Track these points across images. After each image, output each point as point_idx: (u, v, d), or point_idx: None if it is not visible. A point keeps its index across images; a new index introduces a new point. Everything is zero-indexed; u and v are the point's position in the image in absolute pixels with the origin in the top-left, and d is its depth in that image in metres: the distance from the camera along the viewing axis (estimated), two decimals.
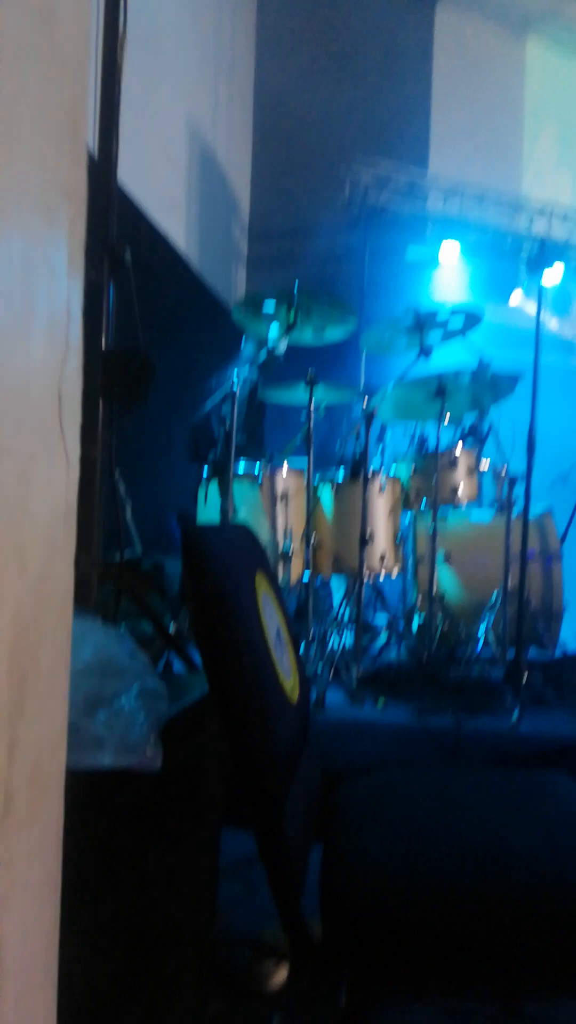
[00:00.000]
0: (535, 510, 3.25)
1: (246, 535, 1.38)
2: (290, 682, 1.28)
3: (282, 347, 2.88)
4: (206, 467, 2.85)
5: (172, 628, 2.11)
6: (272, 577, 1.42)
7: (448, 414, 3.01)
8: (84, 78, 1.09)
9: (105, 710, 1.04)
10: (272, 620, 1.28)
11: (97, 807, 1.00)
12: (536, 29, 5.95)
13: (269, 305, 2.67)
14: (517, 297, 5.54)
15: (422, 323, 2.83)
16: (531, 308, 5.39)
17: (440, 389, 2.86)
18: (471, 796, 1.34)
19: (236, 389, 2.57)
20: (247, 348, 3.50)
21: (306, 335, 2.88)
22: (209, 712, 1.45)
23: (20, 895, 0.85)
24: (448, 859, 1.07)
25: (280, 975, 1.44)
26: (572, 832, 1.15)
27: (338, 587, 3.44)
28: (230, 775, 1.70)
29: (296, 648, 1.43)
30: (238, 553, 1.20)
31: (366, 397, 2.91)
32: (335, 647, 2.78)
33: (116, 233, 1.92)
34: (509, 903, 0.97)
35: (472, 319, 2.87)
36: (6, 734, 0.82)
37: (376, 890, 1.01)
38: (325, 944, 0.99)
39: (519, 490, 2.93)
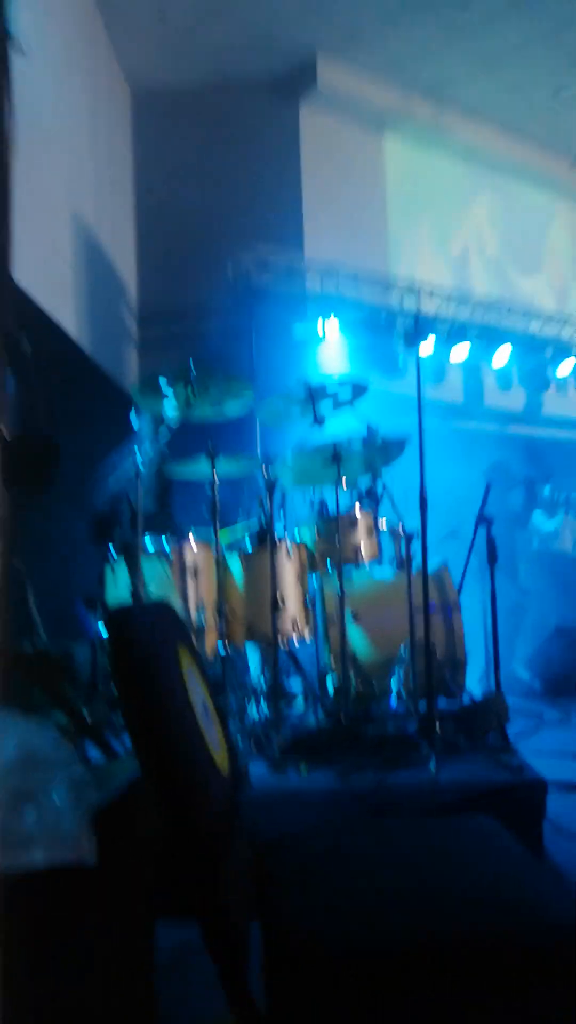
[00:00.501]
0: (432, 565, 3.40)
1: (167, 610, 1.40)
2: (219, 754, 1.29)
3: (176, 424, 2.95)
4: (112, 547, 2.84)
5: (86, 717, 2.05)
6: (195, 651, 1.44)
7: (344, 478, 3.15)
8: None
9: (33, 806, 1.02)
10: (197, 694, 1.29)
11: (32, 905, 0.98)
12: (392, 127, 6.54)
13: (166, 383, 2.73)
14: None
15: (313, 394, 2.98)
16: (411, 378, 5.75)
17: (335, 456, 3.00)
18: (399, 850, 1.37)
19: (141, 467, 2.60)
20: (142, 426, 3.55)
21: (204, 411, 2.96)
22: (136, 800, 1.43)
23: None
24: (383, 913, 1.10)
25: None
26: (500, 873, 1.21)
27: (252, 654, 3.45)
28: (163, 862, 1.66)
29: (223, 722, 1.44)
30: (160, 629, 1.22)
31: (265, 466, 3.00)
32: (255, 717, 2.78)
33: (12, 323, 1.95)
34: (449, 953, 1.00)
35: (359, 389, 3.06)
36: None
37: (317, 956, 1.02)
38: (272, 1017, 0.98)
39: (416, 547, 3.08)
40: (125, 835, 1.35)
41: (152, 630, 1.15)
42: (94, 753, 1.86)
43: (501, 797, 2.39)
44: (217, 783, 1.16)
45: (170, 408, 2.83)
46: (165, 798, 0.95)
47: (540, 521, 6.08)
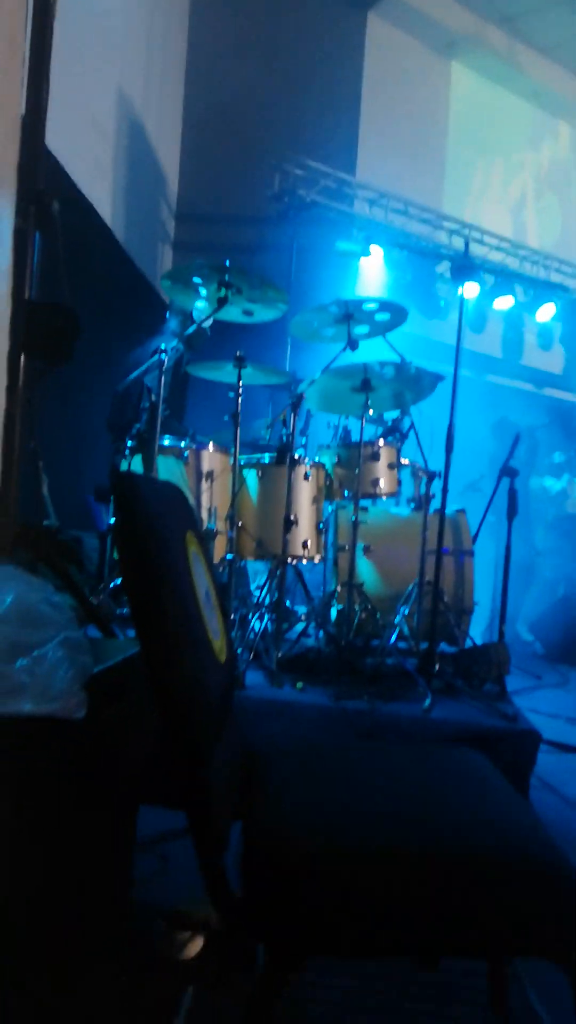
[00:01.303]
0: (450, 509, 3.34)
1: (178, 493, 1.34)
2: (218, 643, 1.25)
3: (208, 322, 2.84)
4: (129, 440, 2.77)
5: (91, 601, 2.03)
6: (201, 539, 1.39)
7: (371, 408, 3.05)
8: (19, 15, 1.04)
9: (26, 658, 0.98)
10: (201, 580, 1.25)
11: (16, 753, 0.95)
12: (461, 54, 6.16)
13: (200, 277, 2.61)
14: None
15: (350, 313, 2.85)
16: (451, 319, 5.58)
17: (365, 381, 2.90)
18: (387, 768, 1.35)
19: (165, 359, 2.51)
20: (171, 322, 3.44)
21: (234, 313, 2.84)
22: (131, 678, 1.40)
23: None
24: (367, 823, 1.07)
25: (194, 946, 1.40)
26: (482, 800, 1.17)
27: (259, 573, 3.42)
28: (152, 747, 1.64)
29: (224, 613, 1.40)
30: (169, 507, 1.17)
31: (292, 382, 2.90)
32: (255, 630, 2.76)
33: (44, 183, 1.84)
34: (425, 865, 0.97)
35: (398, 314, 2.92)
36: None
37: (297, 850, 0.99)
38: (246, 904, 0.96)
39: (436, 487, 3.00)
40: (117, 707, 1.33)
41: (159, 502, 1.09)
42: (95, 634, 1.84)
43: (492, 741, 2.37)
44: (213, 664, 1.12)
45: (202, 304, 2.71)
46: (157, 667, 0.91)
47: (549, 483, 6.03)
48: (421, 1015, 1.32)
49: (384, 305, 2.90)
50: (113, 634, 1.76)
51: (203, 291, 2.72)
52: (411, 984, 1.40)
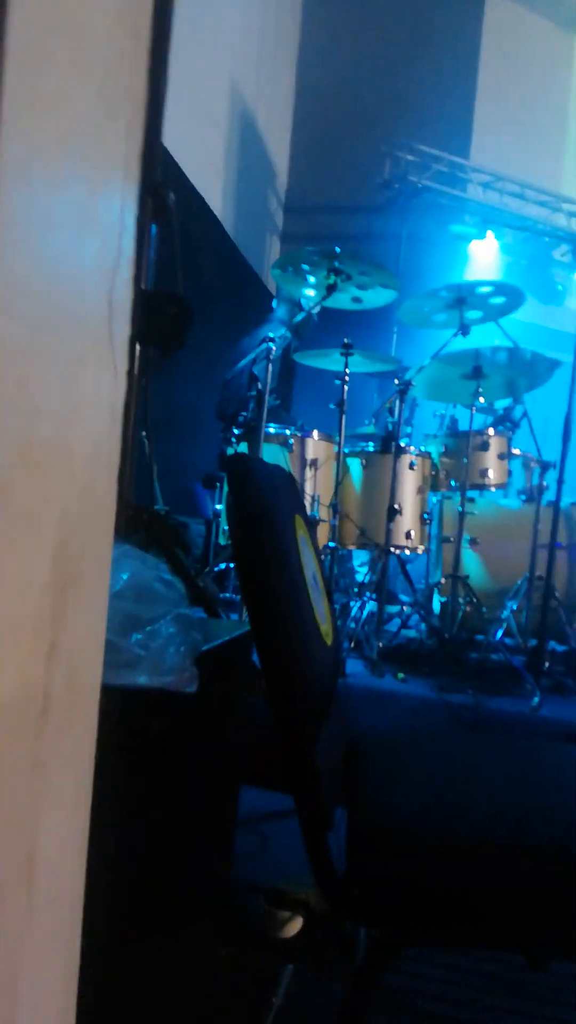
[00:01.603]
0: (564, 501, 3.20)
1: (287, 477, 1.35)
2: (324, 626, 1.25)
3: (316, 309, 2.83)
4: (235, 428, 2.82)
5: (198, 584, 2.09)
6: (309, 524, 1.40)
7: (482, 396, 2.96)
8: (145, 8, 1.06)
9: (140, 632, 1.02)
10: (309, 563, 1.25)
11: (131, 726, 0.98)
12: None
13: (309, 265, 2.60)
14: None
15: (463, 297, 2.77)
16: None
17: (476, 368, 2.81)
18: (496, 760, 1.31)
19: (273, 347, 2.53)
20: (279, 310, 3.46)
21: (343, 300, 2.82)
22: (236, 659, 1.43)
23: (54, 798, 0.83)
24: (475, 813, 1.05)
25: (294, 925, 1.42)
26: None
27: (361, 559, 3.40)
28: (252, 729, 1.67)
29: (330, 597, 1.40)
30: (280, 490, 1.18)
31: (400, 369, 2.86)
32: (357, 619, 2.75)
33: (161, 176, 1.89)
34: (538, 859, 0.94)
35: (514, 296, 2.82)
36: (46, 638, 0.80)
37: (403, 836, 0.98)
38: (350, 887, 0.96)
39: (551, 478, 2.88)
40: (224, 685, 1.36)
41: (270, 484, 1.10)
42: (201, 616, 1.89)
43: None
44: (321, 649, 1.12)
45: (309, 292, 2.71)
46: (268, 647, 0.92)
47: None
48: (520, 1014, 1.28)
49: (499, 288, 2.81)
50: (219, 615, 1.81)
51: (312, 279, 2.72)
52: (515, 983, 1.36)
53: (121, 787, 1.00)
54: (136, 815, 1.05)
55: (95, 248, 0.88)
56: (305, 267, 2.65)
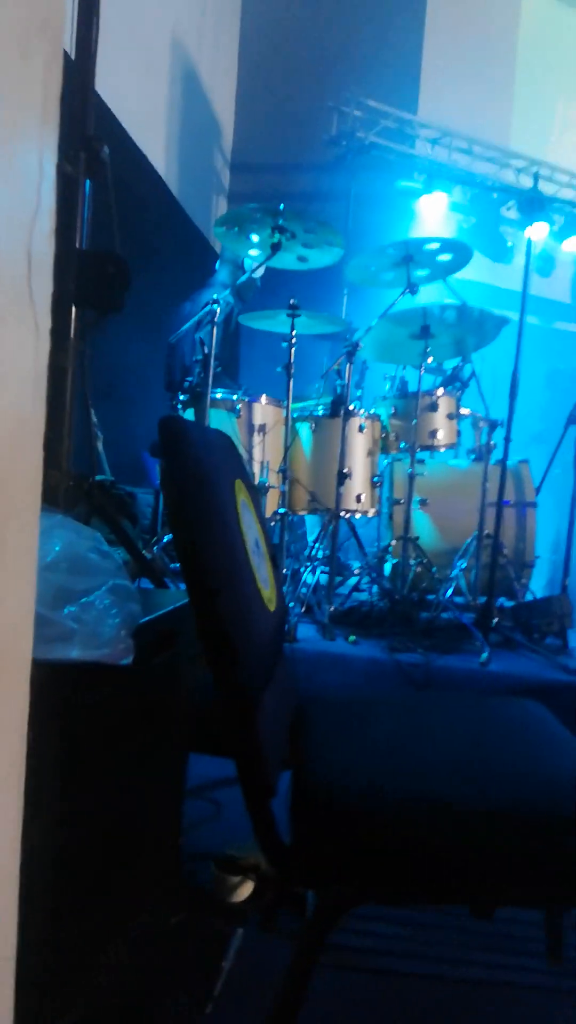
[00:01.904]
0: (512, 460, 3.23)
1: (227, 441, 1.32)
2: (267, 592, 1.24)
3: (259, 272, 2.75)
4: (181, 394, 2.76)
5: (144, 554, 2.05)
6: (252, 488, 1.37)
7: (431, 356, 2.95)
8: None
9: (73, 605, 0.99)
10: (251, 529, 1.23)
11: (66, 700, 0.96)
12: None
13: (252, 221, 2.52)
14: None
15: (410, 255, 2.73)
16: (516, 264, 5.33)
17: (424, 327, 2.79)
18: (443, 718, 1.32)
19: (218, 310, 2.46)
20: (221, 272, 3.37)
21: (288, 260, 2.76)
22: (181, 627, 1.41)
23: None
24: (420, 771, 1.05)
25: (244, 890, 1.43)
26: (543, 750, 1.14)
27: (312, 527, 3.40)
28: (201, 697, 1.66)
29: (274, 563, 1.38)
30: (218, 453, 1.14)
31: (348, 330, 2.82)
32: (308, 584, 2.75)
33: (94, 129, 1.81)
34: (480, 815, 0.95)
35: (462, 253, 2.79)
36: None
37: (348, 796, 0.98)
38: (294, 849, 0.96)
39: (498, 437, 2.90)
40: (165, 655, 1.34)
41: (208, 449, 1.07)
42: (149, 587, 1.85)
43: (552, 695, 2.32)
44: (262, 612, 1.10)
45: (253, 252, 2.64)
46: (206, 613, 0.90)
47: None
48: (475, 964, 1.32)
49: (446, 245, 2.78)
50: (165, 586, 1.78)
51: (256, 237, 2.64)
52: (466, 933, 1.40)
53: (58, 762, 0.97)
54: (75, 788, 1.03)
55: (7, 198, 0.83)
56: (249, 225, 2.57)
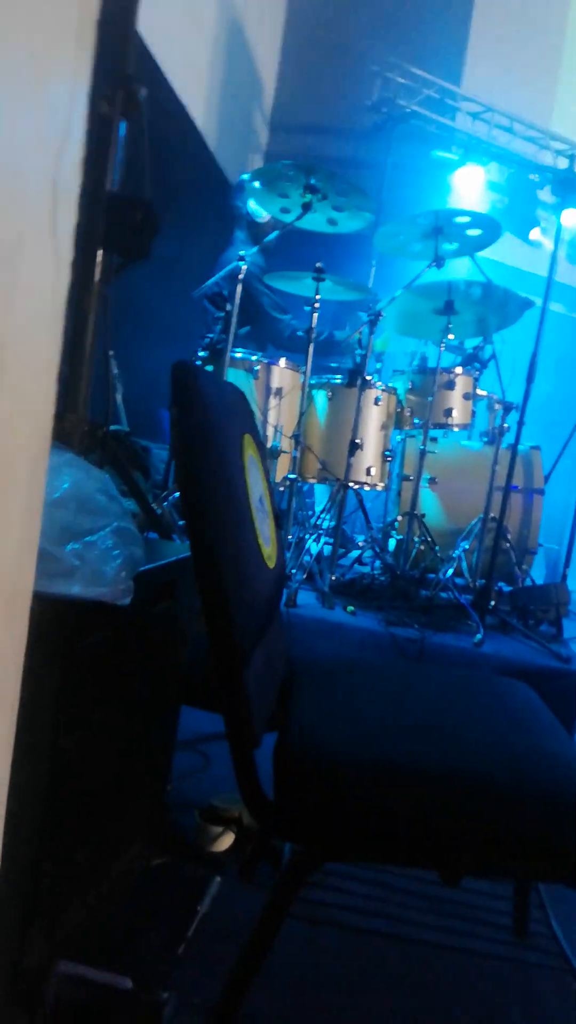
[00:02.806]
0: (524, 445, 3.21)
1: (239, 396, 1.31)
2: (268, 549, 1.24)
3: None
4: (201, 351, 2.74)
5: (154, 508, 2.05)
6: (260, 445, 1.37)
7: (452, 333, 2.91)
8: None
9: (77, 543, 0.99)
10: (256, 485, 1.23)
11: (64, 636, 0.96)
12: None
13: (286, 179, 2.48)
14: (535, 234, 5.38)
15: (440, 227, 2.69)
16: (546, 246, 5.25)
17: (449, 302, 2.76)
18: (431, 688, 1.33)
19: (244, 266, 2.43)
20: (239, 231, 3.32)
21: (318, 221, 2.71)
22: (181, 580, 1.42)
23: None
24: (402, 736, 1.06)
25: (225, 840, 1.46)
26: (525, 728, 1.15)
27: (320, 496, 3.39)
28: (198, 652, 1.68)
29: (278, 522, 1.39)
30: (229, 405, 1.14)
31: (372, 299, 2.78)
32: (311, 552, 2.76)
33: (133, 69, 1.76)
34: (455, 783, 0.96)
35: (492, 230, 2.73)
36: None
37: (330, 754, 0.99)
38: (276, 804, 0.97)
39: (512, 420, 2.88)
40: (164, 602, 1.35)
41: (219, 400, 1.06)
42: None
43: (541, 680, 2.33)
44: (260, 568, 1.11)
45: (285, 210, 2.59)
46: (204, 558, 0.90)
47: None
48: (441, 930, 1.35)
49: (476, 219, 2.72)
50: (171, 539, 1.78)
51: (288, 196, 2.59)
52: (434, 900, 1.43)
53: (52, 697, 0.99)
54: (68, 725, 1.05)
55: (37, 122, 0.81)
56: (281, 182, 2.53)
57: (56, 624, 0.94)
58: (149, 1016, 1.04)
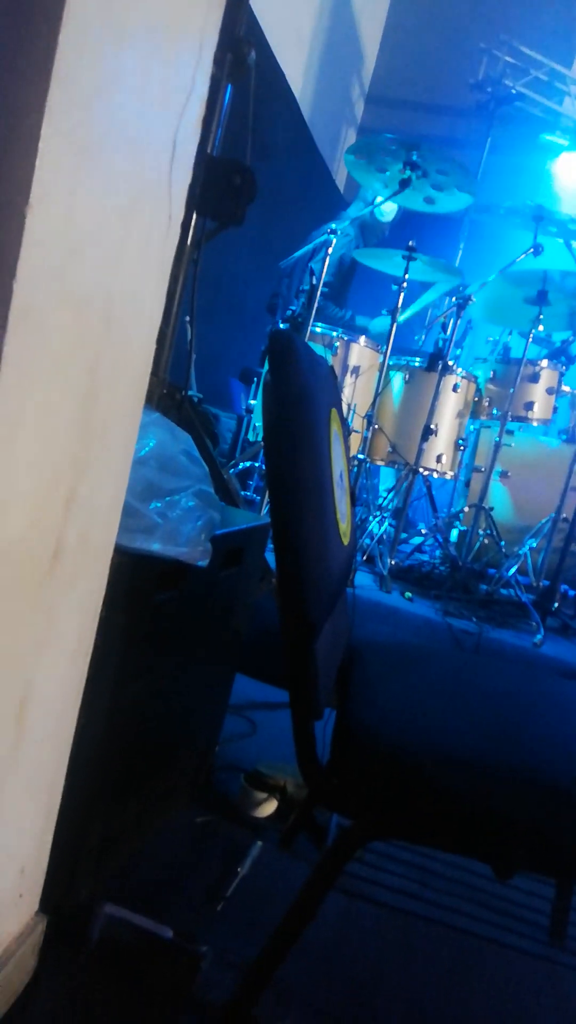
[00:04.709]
0: None
1: (330, 371, 1.30)
2: (344, 526, 1.23)
3: (388, 213, 2.63)
4: (282, 322, 2.73)
5: (222, 474, 2.07)
6: (344, 421, 1.36)
7: (542, 324, 2.82)
8: None
9: (160, 501, 1.00)
10: (338, 460, 1.22)
11: (140, 591, 0.98)
12: None
13: (386, 153, 2.42)
14: None
15: (540, 215, 2.60)
16: None
17: (542, 292, 2.68)
18: (490, 682, 1.31)
19: (333, 240, 2.40)
20: (353, 207, 3.28)
21: (415, 200, 2.65)
22: (249, 548, 1.43)
23: (56, 644, 0.84)
24: (462, 724, 1.05)
25: (268, 807, 1.47)
26: None
27: (386, 479, 3.36)
28: (256, 623, 1.69)
29: (353, 499, 1.38)
30: (321, 380, 1.13)
31: (462, 283, 2.72)
32: (373, 534, 2.74)
33: (242, 32, 1.75)
34: (514, 778, 0.94)
35: None
36: (66, 485, 0.79)
37: (387, 733, 0.99)
38: (329, 772, 0.98)
39: None
40: (233, 567, 1.36)
41: (312, 370, 1.05)
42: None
43: None
44: (337, 546, 1.10)
45: (382, 185, 2.54)
46: (286, 530, 0.90)
47: None
48: (476, 920, 1.34)
49: None
50: (238, 506, 1.80)
51: (386, 171, 2.54)
52: (476, 890, 1.42)
53: (122, 647, 1.01)
54: (134, 677, 1.07)
55: (165, 80, 0.81)
56: (381, 156, 2.47)
57: (133, 578, 0.96)
58: (188, 967, 1.06)
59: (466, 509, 2.98)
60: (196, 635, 1.28)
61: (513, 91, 4.71)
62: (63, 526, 0.79)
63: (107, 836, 1.12)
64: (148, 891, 1.20)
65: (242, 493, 2.78)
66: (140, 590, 0.98)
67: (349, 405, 2.76)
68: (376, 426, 2.74)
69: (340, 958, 1.17)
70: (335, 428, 1.22)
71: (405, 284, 2.58)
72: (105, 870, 1.15)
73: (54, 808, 0.96)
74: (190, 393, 2.02)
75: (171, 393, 1.73)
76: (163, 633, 1.12)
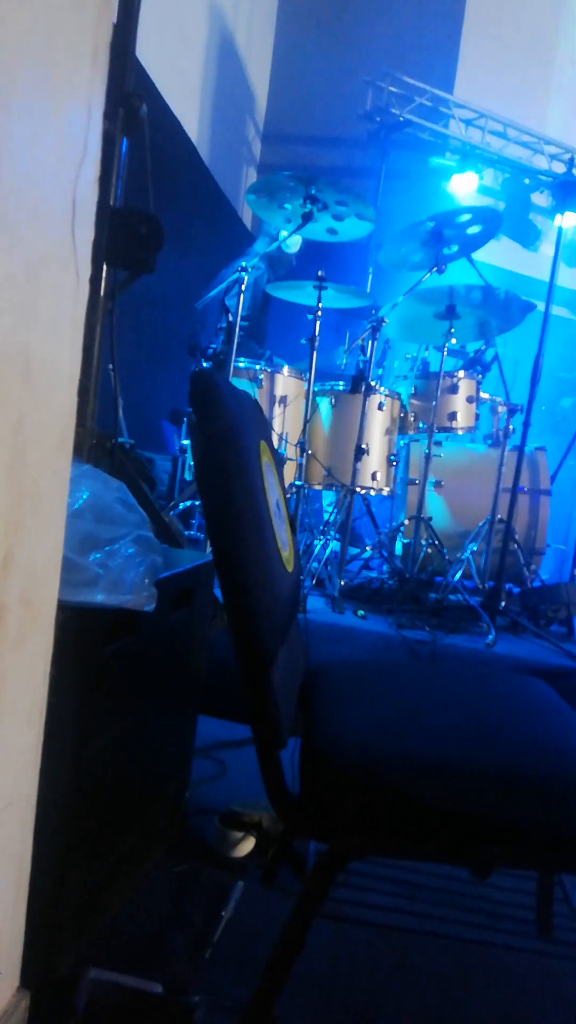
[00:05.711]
0: (529, 447, 3.23)
1: (254, 403, 1.33)
2: (286, 553, 1.25)
3: (293, 245, 2.72)
4: (204, 360, 2.76)
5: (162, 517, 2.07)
6: (275, 452, 1.38)
7: (454, 337, 2.93)
8: None
9: (100, 552, 1.01)
10: (273, 490, 1.24)
11: (89, 644, 0.98)
12: None
13: (285, 189, 2.50)
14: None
15: (440, 231, 2.71)
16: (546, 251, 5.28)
17: (450, 306, 2.78)
18: (449, 686, 1.34)
19: (245, 277, 2.46)
20: (259, 243, 3.36)
21: (318, 230, 2.73)
22: (197, 587, 1.43)
23: (7, 711, 0.82)
24: (425, 732, 1.07)
25: (245, 845, 1.46)
26: (545, 721, 1.16)
27: (328, 503, 3.40)
28: (214, 661, 1.69)
29: (292, 527, 1.40)
30: (246, 412, 1.16)
31: (374, 307, 2.81)
32: (320, 558, 2.77)
33: (131, 86, 1.80)
34: (480, 776, 0.97)
35: (492, 222, 2.74)
36: (1, 547, 0.79)
37: (355, 749, 1.00)
38: (301, 800, 0.99)
39: (517, 422, 2.90)
40: (181, 609, 1.36)
41: (237, 406, 1.08)
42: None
43: (555, 679, 2.33)
44: (281, 573, 1.12)
45: (285, 220, 2.61)
46: (229, 566, 0.92)
47: None
48: (467, 926, 1.35)
49: (477, 215, 2.72)
50: (182, 547, 1.80)
51: (288, 206, 2.62)
52: (459, 896, 1.43)
53: (78, 704, 1.00)
54: (93, 732, 1.06)
55: (56, 143, 0.83)
56: (281, 193, 2.55)
57: (80, 632, 0.96)
58: (181, 1020, 1.04)
59: (406, 522, 3.05)
60: (154, 681, 1.27)
61: (401, 118, 4.92)
62: (2, 590, 0.79)
63: (84, 899, 1.09)
64: (134, 949, 1.17)
65: (186, 533, 2.78)
66: (88, 643, 0.98)
67: (280, 435, 2.80)
68: (309, 452, 2.78)
69: (337, 987, 1.17)
70: (266, 459, 1.25)
71: (319, 313, 2.65)
72: (86, 934, 1.12)
73: (24, 878, 0.94)
74: (120, 440, 2.02)
75: (101, 442, 1.73)
76: (118, 684, 1.11)
